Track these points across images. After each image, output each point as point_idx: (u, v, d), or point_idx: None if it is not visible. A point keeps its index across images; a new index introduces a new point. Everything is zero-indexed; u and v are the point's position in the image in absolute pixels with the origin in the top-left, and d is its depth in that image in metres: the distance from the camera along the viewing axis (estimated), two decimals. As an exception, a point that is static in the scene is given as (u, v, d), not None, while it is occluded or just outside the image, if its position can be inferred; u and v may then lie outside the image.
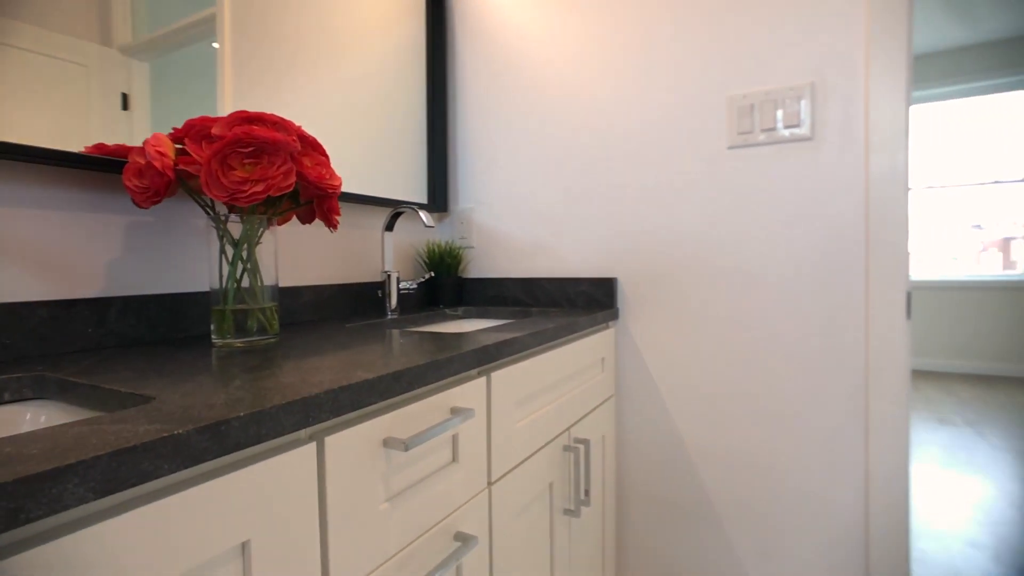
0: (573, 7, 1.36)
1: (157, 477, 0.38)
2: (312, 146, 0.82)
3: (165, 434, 0.38)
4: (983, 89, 4.34)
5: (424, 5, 1.45)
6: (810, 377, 1.13)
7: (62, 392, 0.59)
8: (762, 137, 1.14)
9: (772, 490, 1.18)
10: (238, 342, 0.79)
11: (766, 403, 1.18)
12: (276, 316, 0.83)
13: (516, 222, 1.46)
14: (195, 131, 0.72)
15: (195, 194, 0.78)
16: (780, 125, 1.13)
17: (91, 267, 0.80)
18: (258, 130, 0.69)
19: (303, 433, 0.52)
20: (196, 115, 0.89)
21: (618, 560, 1.35)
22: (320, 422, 0.50)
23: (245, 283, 0.80)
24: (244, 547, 0.45)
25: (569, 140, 1.38)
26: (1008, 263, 4.36)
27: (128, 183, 0.71)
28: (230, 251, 0.79)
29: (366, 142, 1.26)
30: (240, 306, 0.79)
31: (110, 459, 0.35)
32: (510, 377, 0.84)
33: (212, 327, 0.79)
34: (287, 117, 1.04)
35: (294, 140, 0.74)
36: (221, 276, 0.80)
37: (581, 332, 1.17)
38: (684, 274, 1.25)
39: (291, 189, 0.73)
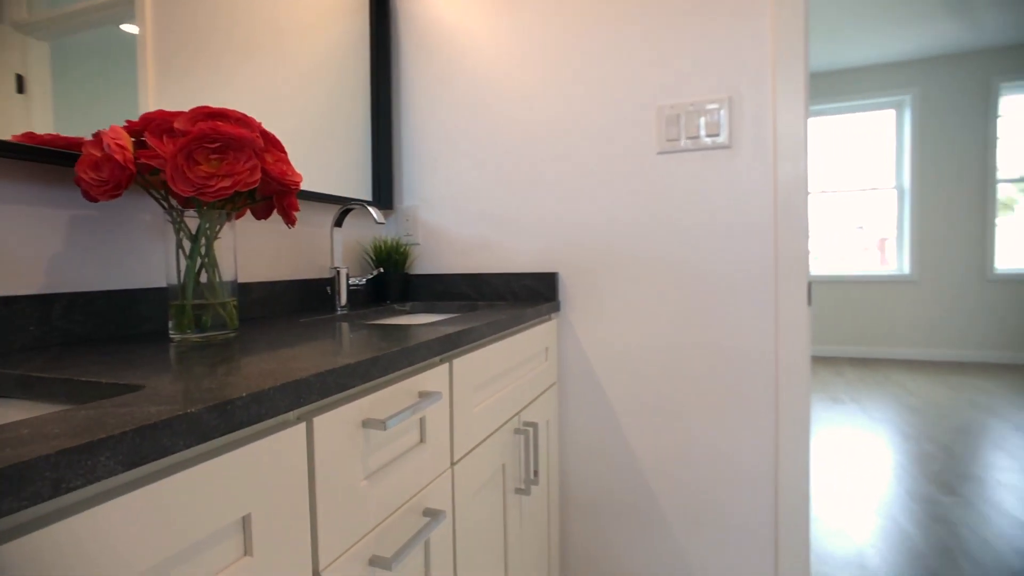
0: (518, 16, 1.44)
1: (174, 452, 0.40)
2: (272, 143, 0.83)
3: (180, 412, 0.41)
4: (863, 107, 4.90)
5: (368, 2, 1.47)
6: (732, 360, 1.27)
7: (24, 389, 0.58)
8: (687, 144, 1.27)
9: (702, 465, 1.31)
10: (197, 337, 0.79)
11: (693, 385, 1.31)
12: (236, 311, 0.84)
13: (461, 219, 1.51)
14: (155, 125, 0.72)
15: (152, 188, 0.77)
16: (703, 134, 1.26)
17: (31, 263, 0.77)
18: (224, 126, 0.70)
19: (294, 414, 0.56)
20: (110, 104, 0.84)
21: (562, 532, 1.44)
22: (310, 403, 0.54)
23: (203, 278, 0.80)
24: (245, 520, 0.48)
25: (513, 141, 1.45)
26: (884, 260, 4.95)
27: (84, 175, 0.70)
28: (187, 245, 0.79)
29: (309, 139, 1.27)
30: (200, 301, 0.79)
31: (135, 435, 0.38)
32: (469, 364, 0.90)
33: (171, 322, 0.79)
34: (235, 112, 1.03)
35: (258, 137, 0.75)
36: (179, 271, 0.79)
37: (528, 323, 1.24)
38: (620, 268, 1.36)
39: (256, 185, 0.74)
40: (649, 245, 1.33)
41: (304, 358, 0.63)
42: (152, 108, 0.90)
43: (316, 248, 1.31)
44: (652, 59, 1.30)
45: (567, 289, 1.41)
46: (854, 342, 4.91)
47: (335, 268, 1.22)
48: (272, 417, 0.50)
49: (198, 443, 0.42)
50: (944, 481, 2.28)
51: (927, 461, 2.50)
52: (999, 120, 4.51)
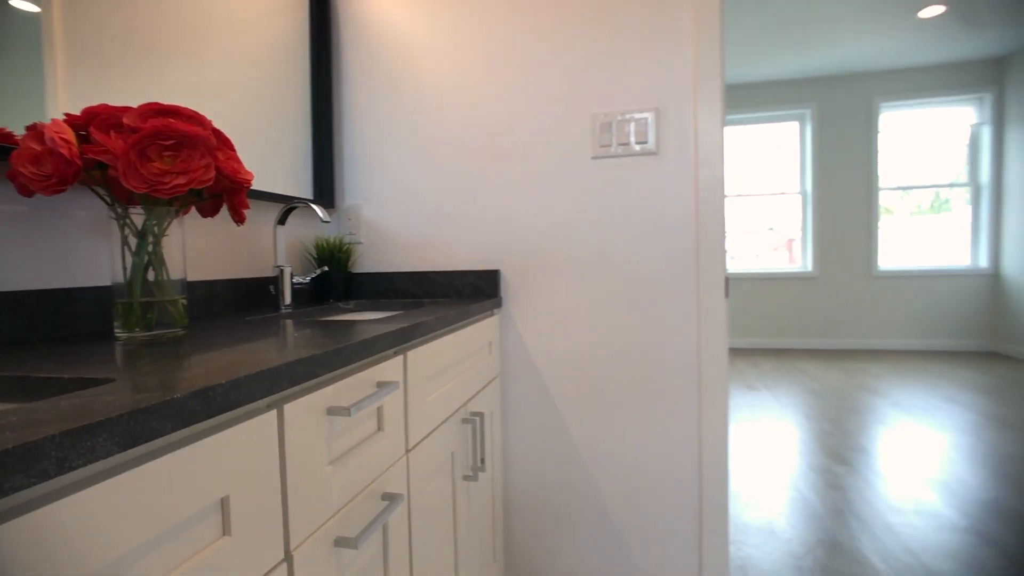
0: (461, 23, 1.48)
1: (163, 435, 0.43)
2: (223, 141, 0.83)
3: (168, 398, 0.43)
4: (772, 118, 5.34)
5: (307, 0, 1.46)
6: (662, 349, 1.39)
7: (-31, 387, 0.57)
8: (619, 150, 1.38)
9: (635, 448, 1.42)
10: (145, 335, 0.78)
11: (627, 374, 1.41)
12: (186, 309, 0.84)
13: (405, 218, 1.54)
14: (101, 120, 0.71)
15: (96, 184, 0.76)
16: (633, 141, 1.37)
17: (-43, 260, 0.73)
18: (177, 123, 0.71)
19: (265, 402, 0.58)
20: (10, 93, 0.76)
21: (506, 517, 1.51)
22: (281, 390, 0.57)
23: (150, 275, 0.79)
24: (224, 502, 0.50)
25: (457, 143, 1.50)
26: (792, 259, 5.43)
27: (23, 170, 0.68)
28: (133, 242, 0.78)
29: (246, 136, 1.25)
30: (148, 298, 0.79)
31: (130, 418, 0.40)
32: (422, 356, 0.95)
33: (117, 321, 0.77)
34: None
35: (211, 135, 0.76)
36: (125, 268, 0.78)
37: (474, 318, 1.30)
38: (558, 266, 1.45)
39: (211, 182, 0.75)
40: (585, 244, 1.42)
41: (267, 351, 0.65)
42: (62, 100, 0.84)
43: (258, 247, 1.30)
44: (588, 71, 1.40)
45: (509, 286, 1.48)
46: (767, 334, 5.34)
47: (279, 267, 1.21)
48: (249, 403, 0.52)
49: (184, 427, 0.45)
50: (838, 454, 2.57)
51: (825, 437, 2.80)
52: (879, 135, 5.08)
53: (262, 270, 1.31)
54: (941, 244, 5.09)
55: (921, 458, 2.49)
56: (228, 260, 1.20)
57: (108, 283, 0.93)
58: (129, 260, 0.78)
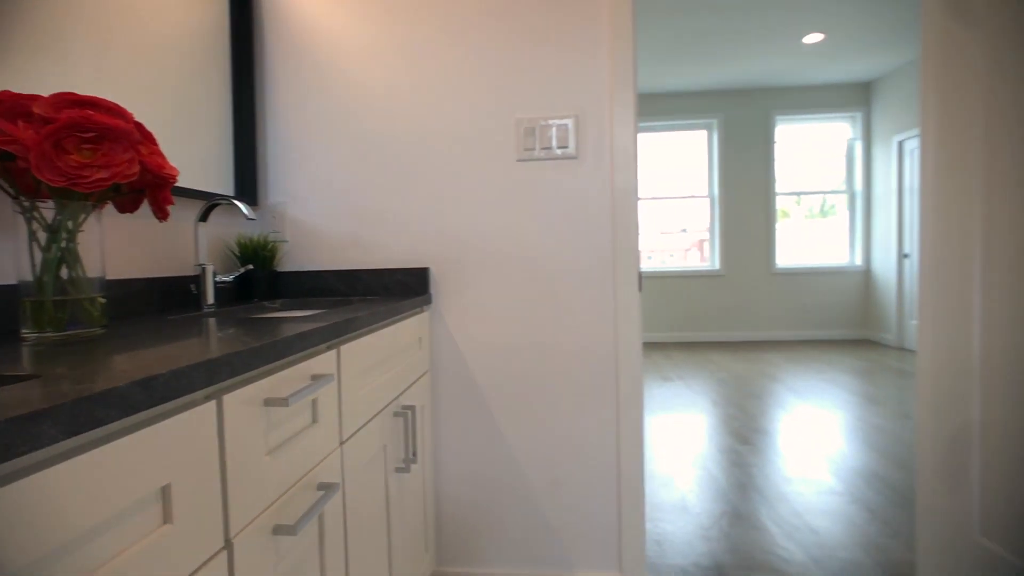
0: (388, 23, 1.50)
1: (107, 423, 0.44)
2: (145, 135, 0.82)
3: (110, 386, 0.44)
4: (685, 126, 5.72)
5: (226, -7, 1.42)
6: (583, 342, 1.49)
7: None
8: (542, 154, 1.46)
9: (559, 436, 1.51)
10: (57, 335, 0.75)
11: (551, 366, 1.50)
12: (104, 308, 0.81)
13: (333, 216, 1.53)
14: (6, 108, 0.68)
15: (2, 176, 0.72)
16: (555, 145, 1.45)
17: None
18: (97, 115, 0.69)
19: (204, 392, 0.59)
20: None
21: (437, 507, 1.55)
22: (221, 381, 0.58)
23: (63, 273, 0.76)
24: (165, 490, 0.51)
25: (387, 143, 1.51)
26: (704, 258, 5.84)
27: (-82, 160, 0.64)
28: (43, 238, 0.75)
29: (163, 129, 1.21)
30: (61, 297, 0.76)
31: (73, 406, 0.41)
32: (356, 351, 0.97)
33: (25, 320, 0.74)
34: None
35: (134, 128, 0.75)
36: (34, 265, 0.75)
37: (405, 314, 1.32)
38: (485, 264, 1.50)
39: (135, 177, 0.74)
40: (511, 242, 1.49)
41: (199, 347, 0.65)
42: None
43: (177, 244, 1.25)
44: (513, 78, 1.47)
45: (438, 283, 1.52)
46: (682, 328, 5.71)
47: (200, 265, 1.18)
48: (189, 393, 0.53)
49: (126, 415, 0.46)
50: (742, 435, 2.83)
51: (730, 421, 3.06)
52: (776, 146, 5.59)
53: (181, 268, 1.26)
54: (827, 244, 5.69)
55: (809, 434, 2.80)
56: (145, 258, 1.15)
57: (13, 282, 0.87)
58: (39, 256, 0.75)
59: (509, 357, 1.51)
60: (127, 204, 0.88)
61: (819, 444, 2.66)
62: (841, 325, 5.57)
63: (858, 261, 5.56)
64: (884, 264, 5.27)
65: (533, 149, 1.46)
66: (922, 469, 1.44)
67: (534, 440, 1.51)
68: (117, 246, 1.09)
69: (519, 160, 1.48)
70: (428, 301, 1.49)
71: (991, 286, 1.20)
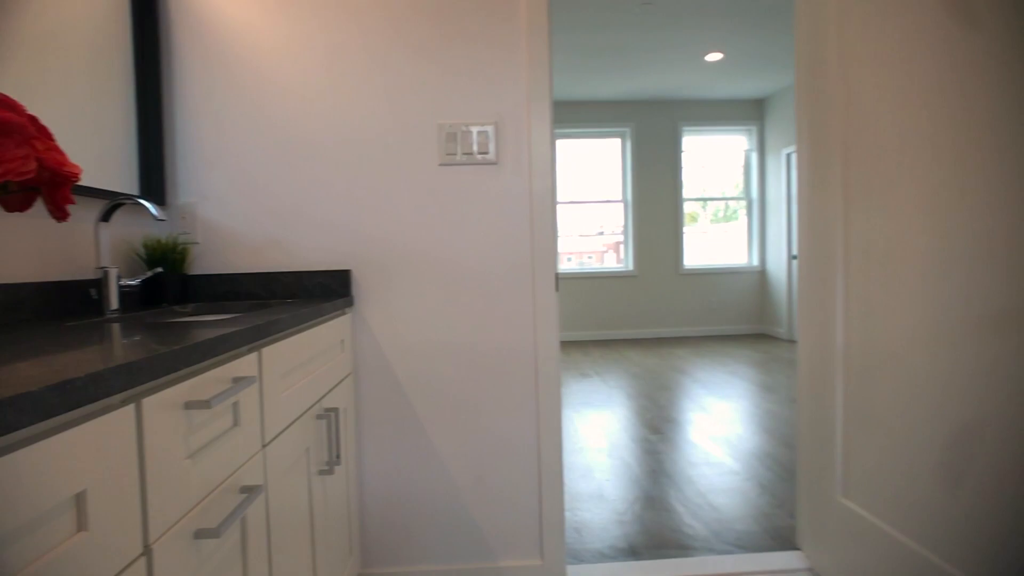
0: (306, 19, 1.48)
1: (18, 429, 0.43)
2: (41, 130, 0.77)
3: (23, 391, 0.44)
4: (601, 133, 5.98)
5: (127, -20, 1.34)
6: (504, 342, 1.55)
7: None
8: (463, 159, 1.50)
9: (483, 434, 1.56)
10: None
11: (474, 368, 1.55)
12: (-7, 312, 0.75)
13: (250, 217, 1.49)
14: None
15: None
16: (476, 150, 1.50)
17: None
18: (-10, 110, 0.65)
19: (122, 396, 0.58)
20: None
21: (361, 509, 1.55)
22: (141, 384, 0.58)
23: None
24: (80, 497, 0.51)
25: (304, 143, 1.49)
26: (619, 259, 6.14)
27: None
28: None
29: (57, 124, 1.13)
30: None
31: (-14, 410, 0.40)
32: (277, 353, 0.96)
33: (-99, 327, 0.68)
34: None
35: (28, 122, 0.71)
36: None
37: (326, 316, 1.32)
38: (408, 266, 1.53)
39: (32, 175, 0.70)
40: (434, 244, 1.53)
41: (101, 354, 0.64)
42: None
43: (75, 246, 1.17)
44: (436, 84, 1.50)
45: (360, 285, 1.52)
46: (599, 327, 5.96)
47: (103, 268, 1.11)
48: (107, 397, 0.53)
49: (40, 420, 0.45)
50: (654, 425, 3.02)
51: (643, 412, 3.27)
52: (683, 154, 6.01)
53: (79, 272, 1.18)
54: (730, 247, 6.18)
55: (712, 421, 3.05)
56: (36, 261, 1.07)
57: None
58: (-82, 259, 0.69)
59: (432, 358, 1.54)
60: (16, 203, 0.82)
61: (720, 429, 2.90)
62: (741, 321, 6.07)
63: (755, 262, 6.09)
64: (777, 264, 5.81)
65: (455, 154, 1.50)
66: (801, 445, 1.64)
67: (458, 439, 1.55)
68: (2, 248, 1.00)
69: (441, 164, 1.51)
70: (350, 303, 1.49)
71: (848, 286, 1.39)
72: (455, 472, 1.56)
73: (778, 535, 1.80)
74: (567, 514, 2.01)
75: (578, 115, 5.85)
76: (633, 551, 1.74)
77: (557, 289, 1.56)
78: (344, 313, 1.47)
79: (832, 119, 1.44)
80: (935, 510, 1.15)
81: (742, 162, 6.14)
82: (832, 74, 1.43)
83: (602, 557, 1.71)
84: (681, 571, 1.62)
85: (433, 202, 1.52)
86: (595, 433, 2.92)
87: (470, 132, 1.50)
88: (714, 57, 4.60)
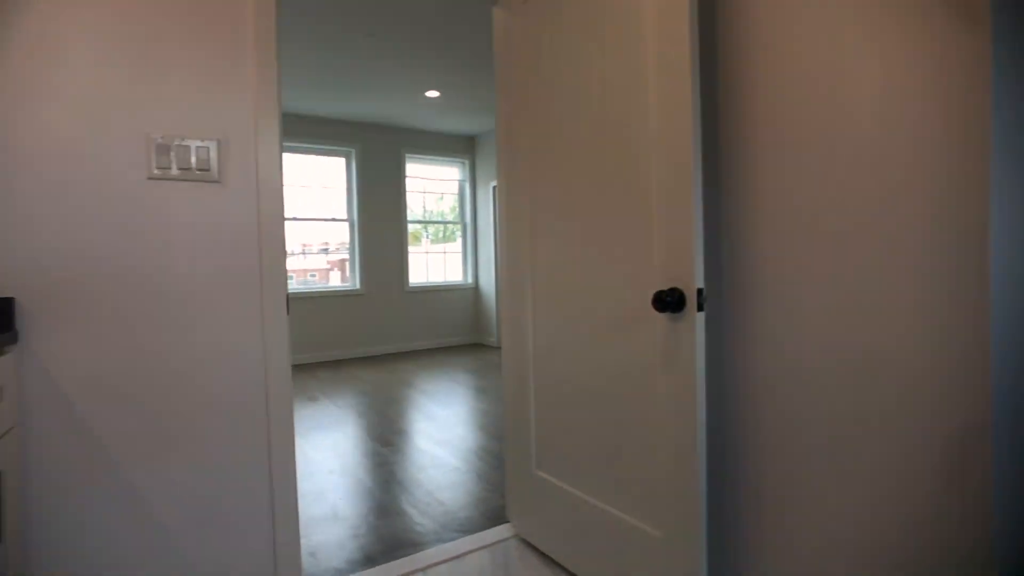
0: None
1: None
2: None
3: None
4: (327, 151, 5.87)
5: None
6: (227, 367, 1.45)
7: None
8: (179, 174, 1.38)
9: (208, 471, 1.42)
10: None
11: (191, 396, 1.41)
12: None
13: None
14: None
15: None
16: (195, 166, 1.39)
17: None
18: None
19: None
20: None
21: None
22: None
23: None
24: None
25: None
26: (345, 278, 6.09)
27: None
28: None
29: None
30: None
31: None
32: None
33: None
34: None
35: None
36: None
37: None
38: (108, 290, 1.31)
39: None
40: (142, 266, 1.35)
41: None
42: None
43: None
44: (147, 93, 1.33)
45: (34, 317, 1.24)
46: (326, 348, 5.78)
47: None
48: None
49: None
50: (384, 438, 3.15)
51: (373, 427, 3.36)
52: (407, 179, 6.37)
53: None
54: (449, 266, 6.79)
55: (437, 427, 3.34)
56: None
57: None
58: None
59: (144, 395, 1.35)
60: None
61: (444, 433, 3.21)
62: (460, 333, 6.72)
63: (470, 279, 6.84)
64: (487, 281, 6.65)
65: (168, 168, 1.36)
66: (507, 434, 1.99)
67: (178, 482, 1.39)
68: None
69: (150, 178, 1.35)
70: (13, 340, 1.20)
71: (535, 299, 1.79)
72: (172, 521, 1.38)
73: (493, 515, 2.13)
74: (301, 540, 1.96)
75: (304, 130, 5.63)
76: (369, 561, 1.82)
77: (288, 312, 1.55)
78: (3, 353, 1.17)
79: (521, 163, 1.83)
80: (597, 470, 1.58)
81: (457, 190, 6.85)
82: (521, 131, 1.82)
83: (338, 574, 1.74)
84: (414, 566, 1.78)
85: (141, 218, 1.34)
86: (326, 455, 2.88)
87: (187, 147, 1.38)
88: (433, 94, 5.06)
